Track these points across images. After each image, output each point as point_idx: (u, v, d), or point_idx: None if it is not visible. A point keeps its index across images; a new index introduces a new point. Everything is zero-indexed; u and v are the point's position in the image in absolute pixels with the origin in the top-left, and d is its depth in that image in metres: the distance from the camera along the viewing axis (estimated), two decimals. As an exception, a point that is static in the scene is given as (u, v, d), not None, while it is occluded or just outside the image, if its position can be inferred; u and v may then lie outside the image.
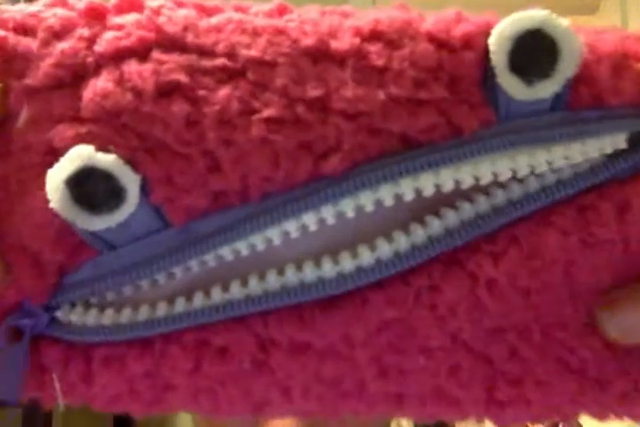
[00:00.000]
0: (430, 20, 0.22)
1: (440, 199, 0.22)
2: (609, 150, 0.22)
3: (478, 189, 0.22)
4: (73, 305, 0.23)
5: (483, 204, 0.22)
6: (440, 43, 0.21)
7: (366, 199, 0.21)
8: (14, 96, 0.22)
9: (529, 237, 0.22)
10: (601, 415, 0.23)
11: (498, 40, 0.20)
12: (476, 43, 0.21)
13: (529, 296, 0.22)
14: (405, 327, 0.22)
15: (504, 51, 0.20)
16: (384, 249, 0.21)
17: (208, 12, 0.22)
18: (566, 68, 0.20)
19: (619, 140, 0.22)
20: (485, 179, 0.21)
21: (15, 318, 0.22)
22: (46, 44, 0.21)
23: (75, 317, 0.22)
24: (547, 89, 0.20)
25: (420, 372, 0.22)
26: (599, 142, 0.22)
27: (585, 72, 0.21)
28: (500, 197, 0.22)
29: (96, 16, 0.22)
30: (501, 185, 0.22)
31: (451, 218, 0.22)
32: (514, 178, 0.22)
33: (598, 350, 0.22)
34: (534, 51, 0.20)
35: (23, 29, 0.22)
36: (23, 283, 0.22)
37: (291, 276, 0.22)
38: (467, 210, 0.22)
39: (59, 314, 0.23)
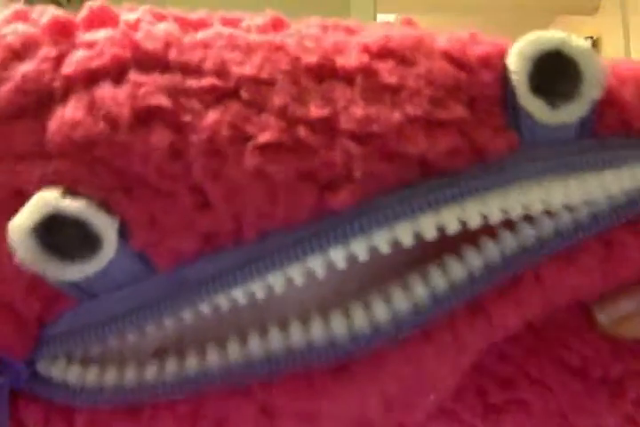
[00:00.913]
0: (444, 39, 0.19)
1: (459, 236, 0.19)
2: None
3: (502, 224, 0.20)
4: (54, 358, 0.20)
5: (509, 241, 0.19)
6: (457, 62, 0.19)
7: (382, 240, 0.18)
8: None
9: (553, 276, 0.19)
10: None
11: (518, 60, 0.19)
12: (494, 63, 0.19)
13: (533, 324, 0.21)
14: (421, 378, 0.19)
15: (524, 71, 0.19)
16: (401, 301, 0.19)
17: (193, 26, 0.19)
18: (590, 90, 0.19)
19: None
20: (514, 212, 0.19)
21: None
22: (4, 66, 0.19)
23: (56, 371, 0.20)
24: (572, 112, 0.19)
25: (427, 404, 0.20)
26: (632, 171, 0.20)
27: (610, 96, 0.20)
28: (526, 233, 0.20)
29: (63, 32, 0.19)
30: (529, 220, 0.20)
31: (474, 260, 0.19)
32: (544, 213, 0.20)
33: (600, 348, 0.21)
34: (555, 72, 0.19)
35: None
36: (3, 335, 0.19)
37: (297, 336, 0.19)
38: (491, 250, 0.19)
39: (39, 367, 0.20)
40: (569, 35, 0.19)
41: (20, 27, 0.19)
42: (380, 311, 0.19)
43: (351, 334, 0.19)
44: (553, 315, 0.21)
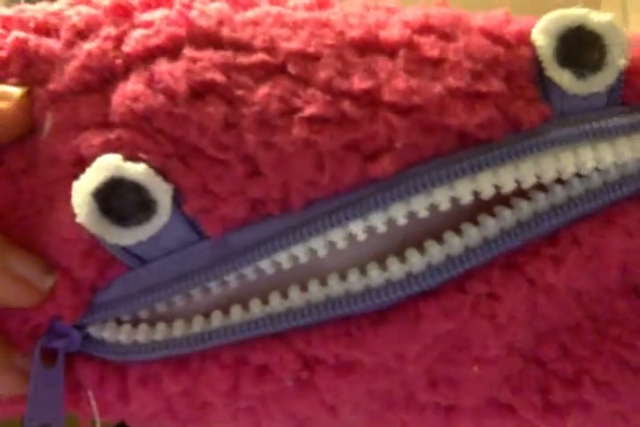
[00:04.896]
0: (480, 17, 0.20)
1: (495, 198, 0.20)
2: None
3: (536, 186, 0.20)
4: (104, 321, 0.22)
5: (541, 202, 0.20)
6: (495, 38, 0.20)
7: (419, 205, 0.19)
8: (38, 104, 0.20)
9: (591, 237, 0.20)
10: None
11: (543, 37, 0.20)
12: (529, 40, 0.20)
13: (582, 296, 0.21)
14: (460, 338, 0.20)
15: (550, 46, 0.20)
16: (435, 252, 0.20)
17: (242, 5, 0.20)
18: (616, 60, 0.20)
19: None
20: (548, 177, 0.20)
21: (47, 339, 0.21)
22: (70, 44, 0.20)
23: (107, 333, 0.21)
24: (599, 81, 0.20)
25: (473, 382, 0.21)
26: None
27: (634, 65, 0.20)
28: (559, 194, 0.20)
29: (122, 13, 0.20)
30: (561, 181, 0.21)
31: (507, 218, 0.20)
32: (575, 174, 0.20)
33: None
34: (580, 45, 0.20)
35: (45, 29, 0.21)
36: (59, 297, 0.21)
37: (335, 286, 0.20)
38: (524, 209, 0.20)
39: (91, 330, 0.21)
40: (589, 10, 0.20)
41: (83, 9, 0.21)
42: (415, 261, 0.20)
43: (387, 282, 0.20)
44: (616, 315, 0.21)
